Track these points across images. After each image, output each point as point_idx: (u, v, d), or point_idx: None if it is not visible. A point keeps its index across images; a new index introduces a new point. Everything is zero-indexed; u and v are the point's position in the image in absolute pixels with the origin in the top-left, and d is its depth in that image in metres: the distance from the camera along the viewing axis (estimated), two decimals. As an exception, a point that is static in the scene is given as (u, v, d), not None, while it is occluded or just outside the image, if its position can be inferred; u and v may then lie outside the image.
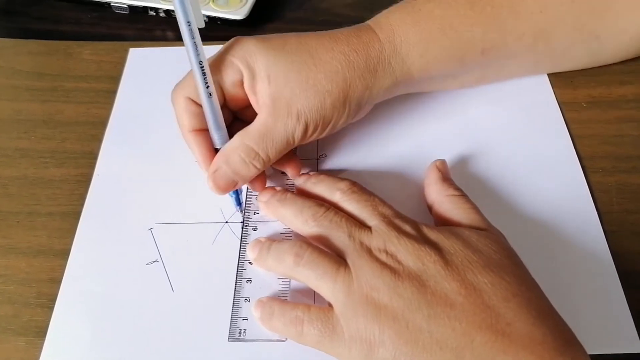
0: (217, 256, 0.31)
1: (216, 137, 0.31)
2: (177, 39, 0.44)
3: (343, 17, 0.45)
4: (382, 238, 0.27)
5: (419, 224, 0.28)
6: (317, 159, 0.35)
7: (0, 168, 0.36)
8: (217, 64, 0.31)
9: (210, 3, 0.44)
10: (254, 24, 0.44)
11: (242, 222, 0.33)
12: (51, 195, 0.35)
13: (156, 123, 0.38)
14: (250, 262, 0.31)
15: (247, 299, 0.30)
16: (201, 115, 0.31)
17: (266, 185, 0.33)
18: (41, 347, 0.29)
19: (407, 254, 0.26)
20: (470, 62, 0.34)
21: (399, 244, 0.27)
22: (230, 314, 0.29)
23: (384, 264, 0.26)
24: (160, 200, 0.34)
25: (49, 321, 0.29)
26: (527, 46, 0.34)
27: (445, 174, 0.32)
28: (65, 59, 0.42)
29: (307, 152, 0.36)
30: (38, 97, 0.40)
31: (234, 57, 0.30)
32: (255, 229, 0.32)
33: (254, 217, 0.33)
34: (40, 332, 0.29)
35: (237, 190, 0.32)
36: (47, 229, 0.33)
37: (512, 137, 0.36)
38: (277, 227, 0.32)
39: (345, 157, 0.35)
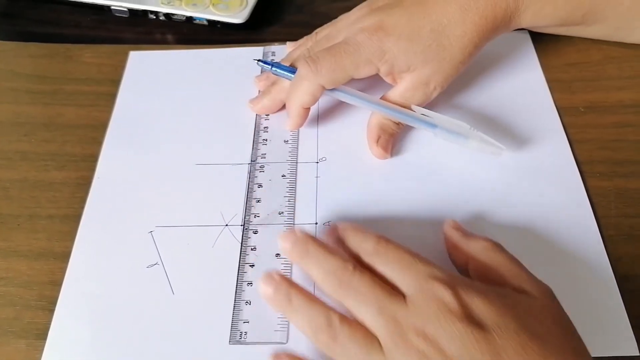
0: (217, 259, 0.32)
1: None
2: (177, 42, 0.45)
3: (342, 21, 0.45)
4: (419, 316, 0.24)
5: (460, 286, 0.24)
6: (317, 162, 0.36)
7: (0, 171, 0.36)
8: (357, 64, 0.33)
9: (211, 7, 0.44)
10: (253, 28, 0.44)
11: (242, 225, 0.33)
12: (52, 198, 0.35)
13: (156, 125, 0.38)
14: (251, 265, 0.31)
15: (248, 302, 0.30)
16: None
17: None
18: (42, 350, 0.29)
19: (450, 339, 0.23)
20: (569, 23, 0.36)
21: (440, 326, 0.23)
22: (231, 317, 0.29)
23: (422, 355, 0.23)
24: (161, 203, 0.34)
25: (49, 324, 0.29)
26: (621, 13, 0.36)
27: (464, 231, 0.30)
28: (66, 62, 0.42)
29: (306, 156, 0.36)
30: (39, 100, 0.40)
31: (374, 56, 0.33)
32: (255, 232, 0.32)
33: (254, 220, 0.33)
34: (41, 334, 0.29)
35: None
36: (47, 231, 0.33)
37: (510, 142, 0.36)
38: (279, 229, 0.32)
39: (345, 161, 0.36)
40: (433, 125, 0.34)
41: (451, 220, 0.31)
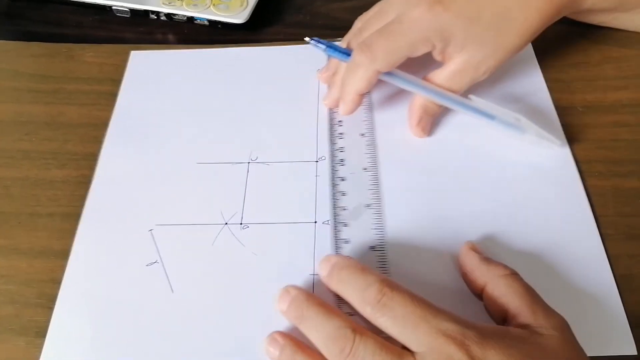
0: (217, 257, 0.32)
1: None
2: (178, 42, 0.45)
3: (341, 21, 0.45)
4: None
5: (472, 341, 0.23)
6: (317, 161, 0.36)
7: (2, 169, 0.36)
8: (413, 44, 0.32)
9: (211, 7, 0.45)
10: (254, 28, 0.45)
11: (332, 219, 0.32)
12: (52, 196, 0.35)
13: (157, 125, 0.38)
14: None
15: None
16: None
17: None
18: (41, 347, 0.29)
19: None
20: (626, 7, 0.36)
21: None
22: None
23: None
24: (161, 201, 0.34)
25: (49, 321, 0.30)
26: None
27: (482, 254, 0.29)
28: (67, 61, 0.43)
29: (305, 154, 0.36)
30: (40, 99, 0.40)
31: (431, 33, 0.32)
32: (346, 225, 0.32)
33: (342, 214, 0.33)
34: (41, 332, 0.29)
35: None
36: (48, 229, 0.33)
37: (508, 141, 0.36)
38: (370, 222, 0.33)
39: (344, 158, 0.36)
40: (491, 117, 0.34)
41: (469, 243, 0.30)
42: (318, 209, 0.33)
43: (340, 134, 0.37)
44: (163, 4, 0.45)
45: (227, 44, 0.43)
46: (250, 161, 0.36)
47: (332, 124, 0.37)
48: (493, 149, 0.35)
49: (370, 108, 0.38)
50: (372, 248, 0.31)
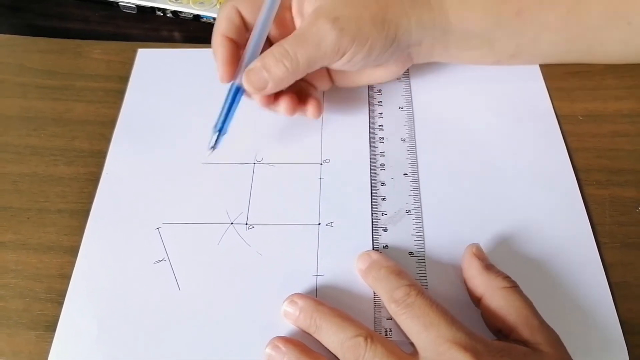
0: (222, 257, 0.32)
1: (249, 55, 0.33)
2: (184, 39, 0.45)
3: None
4: None
5: (483, 351, 0.24)
6: (321, 164, 0.36)
7: (10, 165, 0.37)
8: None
9: (218, 5, 0.45)
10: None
11: (371, 223, 0.33)
12: (61, 192, 0.35)
13: (164, 123, 0.39)
14: None
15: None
16: (239, 29, 0.33)
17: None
18: (51, 341, 0.29)
19: None
20: (505, 24, 0.35)
21: None
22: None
23: None
24: (168, 200, 0.35)
25: (58, 316, 0.30)
26: (560, 17, 0.35)
27: (485, 260, 0.30)
28: (75, 57, 0.43)
29: (310, 157, 0.37)
30: (48, 95, 0.40)
31: None
32: (385, 230, 0.33)
33: (382, 218, 0.33)
34: (50, 326, 0.30)
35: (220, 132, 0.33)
36: (56, 225, 0.34)
37: (509, 147, 0.36)
38: (409, 227, 0.33)
39: (348, 162, 0.36)
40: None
41: (474, 246, 0.30)
42: (322, 211, 0.34)
43: (381, 138, 0.37)
44: (170, 1, 0.45)
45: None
46: (256, 162, 0.36)
47: (373, 128, 0.38)
48: (492, 156, 0.36)
49: (411, 114, 0.38)
50: (411, 254, 0.32)
